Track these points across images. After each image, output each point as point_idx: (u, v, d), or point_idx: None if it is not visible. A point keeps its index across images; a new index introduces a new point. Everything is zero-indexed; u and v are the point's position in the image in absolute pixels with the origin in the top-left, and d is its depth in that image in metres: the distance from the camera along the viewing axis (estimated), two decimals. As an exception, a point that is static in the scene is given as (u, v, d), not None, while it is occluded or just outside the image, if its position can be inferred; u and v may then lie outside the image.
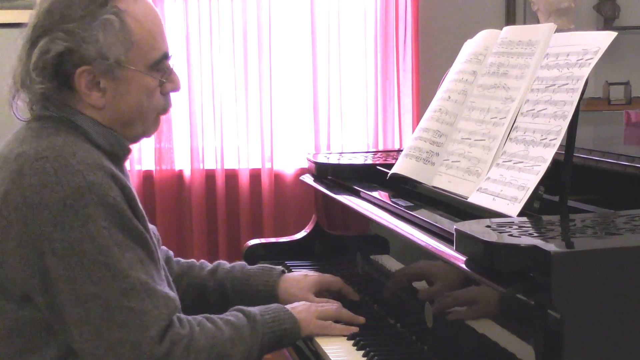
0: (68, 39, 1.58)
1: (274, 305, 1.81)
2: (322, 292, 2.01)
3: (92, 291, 1.51)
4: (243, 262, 2.05)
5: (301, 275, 2.04)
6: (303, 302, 1.87)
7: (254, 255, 2.49)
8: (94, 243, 1.51)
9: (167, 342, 1.55)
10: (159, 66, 1.68)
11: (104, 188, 1.53)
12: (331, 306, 1.88)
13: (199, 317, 1.67)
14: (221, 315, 1.71)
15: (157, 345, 1.53)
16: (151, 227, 1.73)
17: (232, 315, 1.72)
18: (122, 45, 1.61)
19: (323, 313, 1.84)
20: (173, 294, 1.62)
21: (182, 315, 1.63)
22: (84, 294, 1.51)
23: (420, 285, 1.72)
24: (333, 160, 2.51)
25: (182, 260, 2.04)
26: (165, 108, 1.73)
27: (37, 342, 1.58)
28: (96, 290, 1.51)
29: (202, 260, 2.04)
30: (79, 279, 1.51)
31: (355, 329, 1.84)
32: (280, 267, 2.04)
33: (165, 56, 1.69)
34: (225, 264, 2.02)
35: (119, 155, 1.68)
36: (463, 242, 1.38)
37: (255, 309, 1.75)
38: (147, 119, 1.70)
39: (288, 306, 1.81)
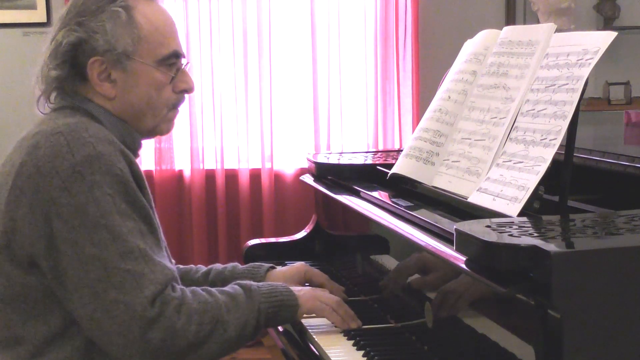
0: (80, 30, 1.69)
1: (275, 282, 1.84)
2: (304, 282, 2.03)
3: (92, 252, 1.56)
4: (236, 263, 2.06)
5: (287, 268, 2.05)
6: (305, 287, 1.89)
7: (254, 255, 2.49)
8: (97, 207, 1.57)
9: (158, 303, 1.58)
10: (168, 62, 1.75)
11: (112, 159, 1.60)
12: (333, 296, 1.89)
13: (195, 287, 1.70)
14: (219, 287, 1.74)
15: (149, 306, 1.57)
16: None
17: (229, 287, 1.75)
18: (129, 37, 1.69)
19: (323, 297, 1.85)
20: (171, 266, 1.66)
21: (177, 285, 1.66)
22: (85, 256, 1.56)
23: (420, 285, 1.72)
24: (333, 160, 2.51)
25: (181, 265, 2.05)
26: (176, 104, 1.80)
27: (42, 309, 1.63)
28: (95, 251, 1.56)
29: (199, 265, 2.08)
30: (81, 241, 1.57)
31: (352, 326, 1.84)
32: (268, 265, 2.05)
33: (176, 55, 1.76)
34: (218, 266, 2.05)
35: (129, 146, 1.74)
36: (463, 242, 1.38)
37: (254, 282, 1.78)
38: (157, 113, 1.77)
39: (290, 287, 1.83)
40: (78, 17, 1.69)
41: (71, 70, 1.70)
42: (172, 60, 1.75)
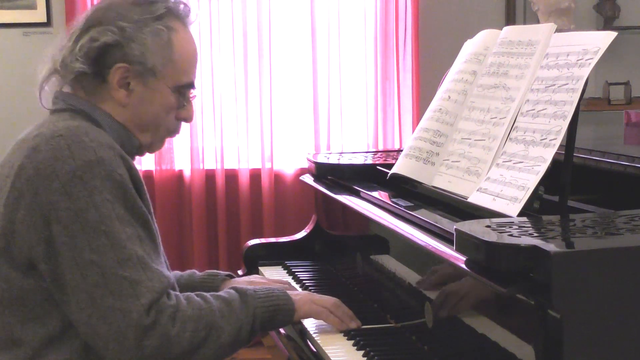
0: (119, 34, 1.70)
1: (272, 286, 1.85)
2: None
3: (91, 258, 1.57)
4: (193, 270, 2.08)
5: (246, 281, 2.05)
6: (302, 291, 1.89)
7: (254, 255, 2.50)
8: (97, 212, 1.58)
9: (154, 311, 1.59)
10: (183, 91, 1.78)
11: (112, 164, 1.61)
12: (330, 298, 1.89)
13: (190, 293, 1.71)
14: (214, 292, 1.75)
15: (144, 314, 1.58)
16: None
17: (225, 292, 1.76)
18: (161, 57, 1.73)
19: (320, 301, 1.85)
20: (168, 273, 1.67)
21: (172, 291, 1.66)
22: (83, 261, 1.57)
23: (420, 285, 1.72)
24: (333, 160, 2.51)
25: None
26: (174, 130, 1.83)
27: (40, 312, 1.64)
28: (94, 257, 1.57)
29: None
30: (79, 246, 1.57)
31: (351, 326, 1.84)
32: (224, 273, 2.06)
33: (191, 85, 1.80)
34: (177, 273, 2.05)
35: (128, 150, 1.74)
36: (463, 242, 1.38)
37: (250, 287, 1.79)
38: (158, 132, 1.80)
39: (287, 291, 1.83)
40: (120, 21, 1.70)
41: (94, 68, 1.71)
42: (187, 89, 1.79)
